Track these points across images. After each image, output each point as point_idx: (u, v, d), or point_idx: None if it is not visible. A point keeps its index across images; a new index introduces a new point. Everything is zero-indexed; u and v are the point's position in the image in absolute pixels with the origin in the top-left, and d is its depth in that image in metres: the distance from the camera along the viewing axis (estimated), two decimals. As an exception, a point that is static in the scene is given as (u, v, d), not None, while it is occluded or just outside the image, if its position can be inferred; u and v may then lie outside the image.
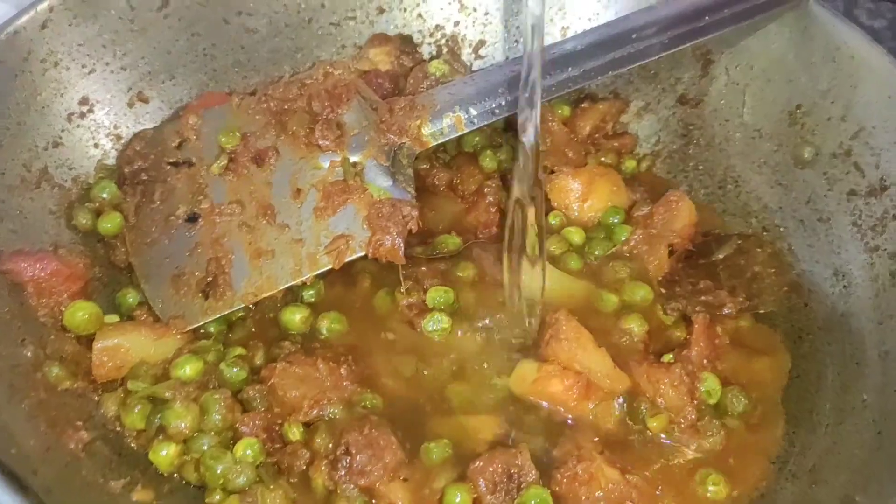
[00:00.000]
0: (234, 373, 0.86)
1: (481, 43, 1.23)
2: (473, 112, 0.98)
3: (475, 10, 1.21)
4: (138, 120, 1.07)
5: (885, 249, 0.91)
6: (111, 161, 1.03)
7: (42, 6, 0.96)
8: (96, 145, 1.03)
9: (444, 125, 0.98)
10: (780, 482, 0.81)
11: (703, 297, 0.92)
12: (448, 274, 0.96)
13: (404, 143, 0.98)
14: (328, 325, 0.92)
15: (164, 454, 0.79)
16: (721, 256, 0.98)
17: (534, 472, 0.79)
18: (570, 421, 0.86)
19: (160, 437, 0.80)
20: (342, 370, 0.86)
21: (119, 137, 1.05)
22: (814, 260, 0.99)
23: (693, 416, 0.84)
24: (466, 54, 1.22)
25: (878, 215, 0.93)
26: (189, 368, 0.84)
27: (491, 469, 0.78)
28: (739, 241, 1.00)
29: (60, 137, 0.99)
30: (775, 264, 0.98)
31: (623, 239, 0.99)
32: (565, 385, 0.85)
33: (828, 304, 0.94)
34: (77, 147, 1.00)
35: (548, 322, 0.89)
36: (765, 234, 1.03)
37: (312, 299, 0.95)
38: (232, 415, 0.81)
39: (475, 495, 0.78)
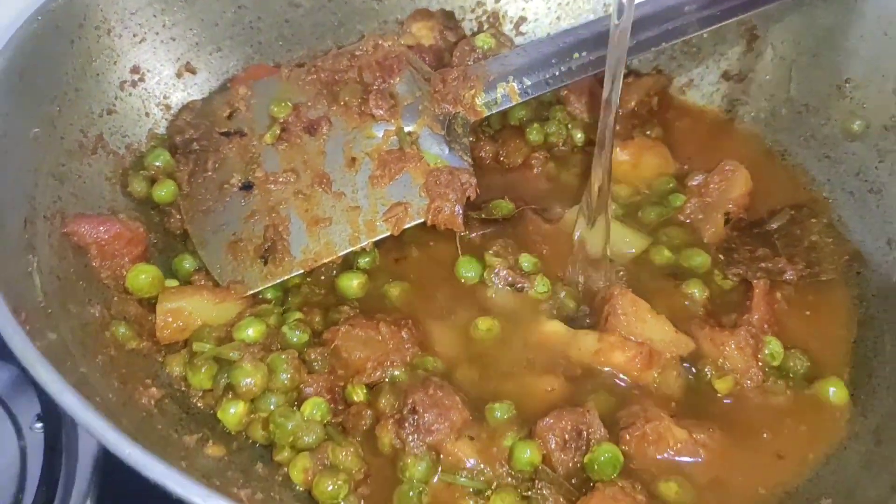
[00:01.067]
0: (297, 335, 0.86)
1: (522, 19, 1.23)
2: (527, 82, 0.99)
3: (518, -14, 1.22)
4: (186, 90, 1.07)
5: (941, 219, 0.93)
6: (162, 130, 1.04)
7: (96, -28, 0.97)
8: (147, 114, 1.03)
9: (497, 95, 0.99)
10: (847, 443, 0.82)
11: (762, 264, 0.93)
12: (511, 239, 0.97)
13: (458, 112, 0.98)
14: (397, 293, 0.93)
15: (233, 412, 0.79)
16: (776, 226, 0.99)
17: (603, 429, 0.79)
18: (628, 386, 0.87)
19: (228, 396, 0.80)
20: (403, 333, 0.87)
21: (168, 107, 1.05)
22: (866, 230, 1.00)
23: (759, 377, 0.85)
24: (507, 30, 1.23)
25: (931, 188, 0.95)
26: (252, 330, 0.84)
27: (560, 426, 0.79)
28: (793, 212, 1.01)
29: (114, 105, 0.99)
30: (832, 234, 0.99)
31: (677, 206, 1.00)
32: (628, 356, 0.86)
33: (882, 273, 0.96)
34: (129, 115, 1.01)
35: (605, 298, 0.90)
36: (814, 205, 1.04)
37: (368, 266, 0.95)
38: (299, 375, 0.82)
39: (544, 452, 0.78)
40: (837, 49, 1.05)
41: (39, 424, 0.98)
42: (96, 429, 0.59)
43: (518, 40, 1.23)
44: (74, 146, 0.92)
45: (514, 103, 1.00)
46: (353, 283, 0.93)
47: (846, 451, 0.81)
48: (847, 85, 1.04)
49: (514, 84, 0.99)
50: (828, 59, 1.06)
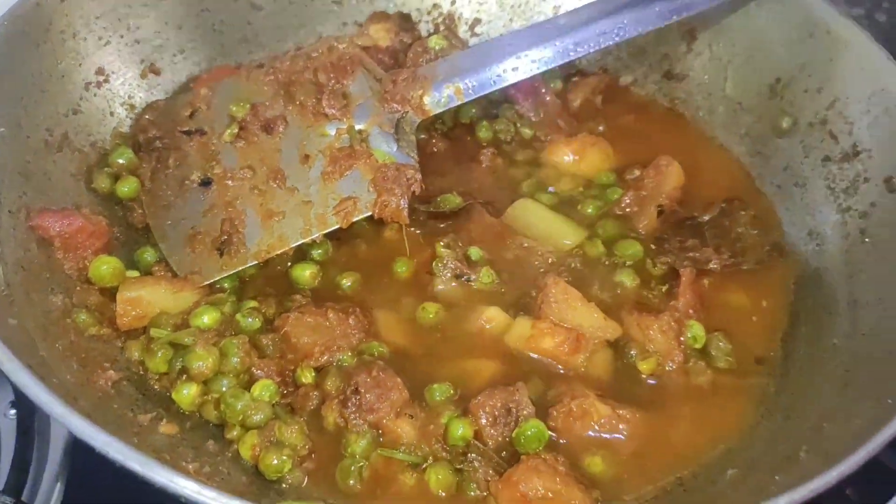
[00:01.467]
0: (249, 322, 0.91)
1: (477, 21, 1.29)
2: (472, 82, 1.04)
3: (471, -11, 1.28)
4: (150, 91, 1.12)
5: (855, 210, 0.99)
6: (126, 129, 1.09)
7: (60, -21, 1.02)
8: (112, 113, 1.08)
9: (444, 95, 1.04)
10: (756, 419, 0.88)
11: (690, 254, 0.99)
12: (454, 232, 1.03)
13: (407, 112, 1.03)
14: (349, 283, 0.98)
15: (186, 393, 0.85)
16: (707, 218, 1.05)
17: (530, 407, 0.85)
18: (562, 371, 0.92)
19: (182, 378, 0.85)
20: (350, 320, 0.92)
21: (133, 107, 1.10)
22: (790, 222, 1.06)
23: (680, 359, 0.91)
24: (463, 31, 1.29)
25: (850, 179, 1.00)
26: (207, 318, 0.90)
27: (490, 403, 0.85)
28: (724, 205, 1.06)
29: (79, 105, 1.04)
30: (758, 225, 1.04)
31: (614, 199, 1.05)
32: (556, 342, 0.92)
33: (802, 261, 1.02)
34: (94, 114, 1.06)
35: (539, 286, 0.95)
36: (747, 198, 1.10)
37: (320, 258, 1.01)
38: (249, 358, 0.87)
39: (476, 428, 0.84)
40: (768, 51, 1.11)
41: (13, 411, 1.02)
42: (46, 404, 0.64)
43: (473, 41, 1.29)
44: (40, 145, 0.96)
45: (459, 102, 1.05)
46: (305, 273, 0.98)
47: (758, 427, 0.86)
48: (777, 85, 1.10)
49: (460, 84, 1.04)
50: (760, 60, 1.12)
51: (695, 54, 1.19)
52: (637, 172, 1.08)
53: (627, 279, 0.98)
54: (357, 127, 1.03)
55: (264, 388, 0.86)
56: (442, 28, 1.28)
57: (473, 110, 1.18)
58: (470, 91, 1.04)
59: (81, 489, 0.99)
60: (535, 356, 0.93)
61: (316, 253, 1.01)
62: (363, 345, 0.92)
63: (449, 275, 0.99)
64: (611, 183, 1.09)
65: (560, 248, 1.01)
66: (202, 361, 0.85)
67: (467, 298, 0.98)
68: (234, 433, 0.84)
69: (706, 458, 0.85)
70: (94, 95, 1.06)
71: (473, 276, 0.98)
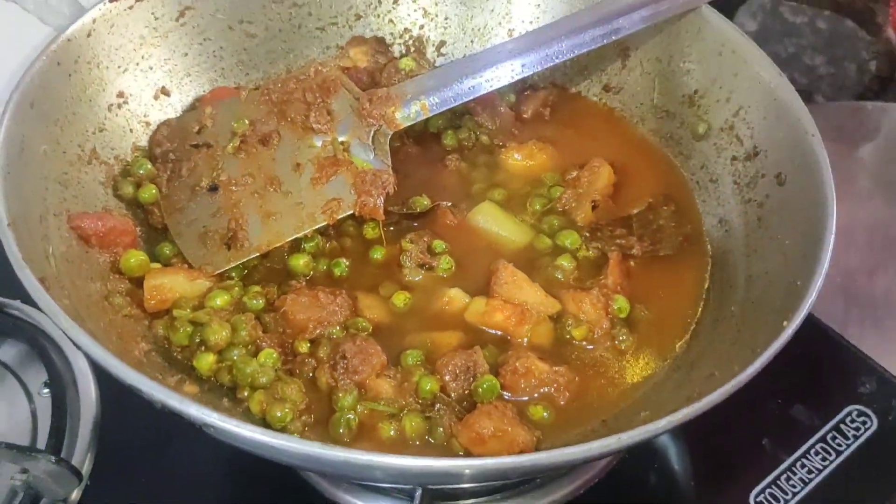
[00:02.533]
0: (254, 303, 1.09)
1: (442, 43, 1.47)
2: (435, 99, 1.21)
3: (437, 16, 1.46)
4: (163, 110, 1.29)
5: (755, 201, 1.17)
6: (143, 143, 1.25)
7: (87, 18, 1.18)
8: (131, 130, 1.24)
9: (412, 110, 1.21)
10: (668, 373, 1.07)
11: (617, 241, 1.18)
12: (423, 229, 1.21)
13: (381, 125, 1.22)
14: (338, 271, 1.16)
15: (205, 361, 1.02)
16: (634, 212, 1.23)
17: (485, 366, 1.03)
18: (510, 339, 1.10)
19: (201, 350, 1.04)
20: (338, 300, 1.09)
21: (148, 124, 1.27)
22: (706, 212, 1.24)
23: (607, 325, 1.10)
24: (430, 52, 1.47)
25: (751, 175, 1.19)
26: (220, 300, 1.08)
27: (453, 363, 1.03)
28: (650, 200, 1.25)
29: (104, 124, 1.20)
30: (675, 219, 1.22)
31: (556, 196, 1.24)
32: (505, 315, 1.09)
33: (714, 245, 1.21)
34: (116, 131, 1.22)
35: (492, 269, 1.13)
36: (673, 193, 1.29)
37: (312, 250, 1.18)
38: (255, 332, 1.05)
39: (441, 383, 1.03)
40: (687, 66, 1.29)
41: (46, 391, 1.17)
42: (103, 359, 0.83)
43: (439, 61, 1.47)
44: (74, 158, 1.13)
45: (425, 116, 1.22)
46: (300, 263, 1.15)
47: (667, 379, 1.05)
48: (695, 95, 1.29)
49: (426, 101, 1.21)
50: (680, 74, 1.30)
51: (628, 70, 1.37)
52: (575, 173, 1.27)
53: (566, 262, 1.16)
54: (340, 139, 1.21)
55: (267, 356, 1.04)
56: (412, 50, 1.46)
57: (440, 121, 1.36)
58: (434, 107, 1.21)
59: (110, 456, 1.16)
60: (489, 329, 1.10)
61: (308, 246, 1.18)
62: (349, 321, 1.09)
63: (414, 265, 1.16)
64: (554, 182, 1.27)
65: (512, 248, 1.19)
66: (217, 335, 1.02)
67: (433, 284, 1.16)
68: (245, 393, 1.02)
69: (626, 403, 1.03)
70: (116, 115, 1.23)
71: (434, 264, 1.16)
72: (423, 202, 1.24)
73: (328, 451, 0.78)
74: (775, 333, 0.89)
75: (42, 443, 1.14)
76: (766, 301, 1.02)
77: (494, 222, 1.21)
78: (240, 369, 1.02)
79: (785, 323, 0.89)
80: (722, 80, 1.25)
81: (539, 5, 1.41)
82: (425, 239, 1.18)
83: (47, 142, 1.09)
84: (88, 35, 1.19)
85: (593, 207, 1.23)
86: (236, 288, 1.12)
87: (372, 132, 1.21)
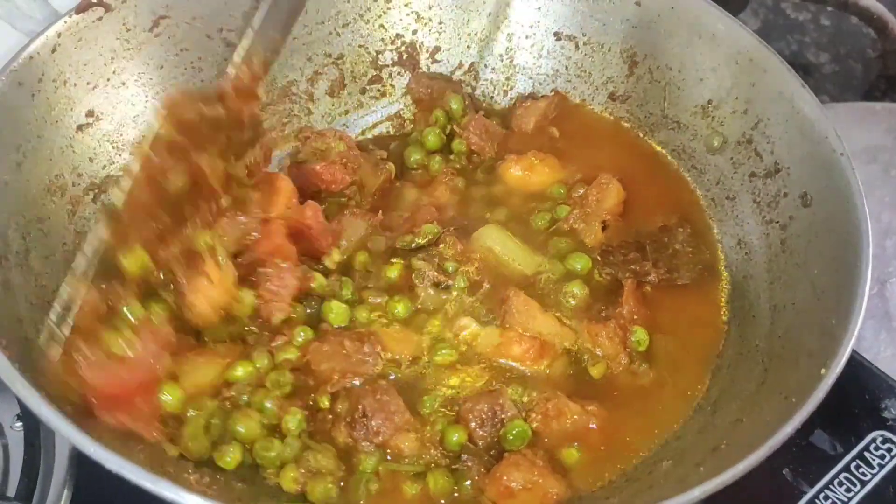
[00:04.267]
0: (283, 379, 0.99)
1: (437, 49, 1.39)
2: None
3: (430, 20, 1.37)
4: (137, 128, 1.20)
5: (777, 222, 1.10)
6: (115, 165, 1.17)
7: (51, 32, 1.09)
8: (102, 152, 1.16)
9: None
10: (690, 414, 1.00)
11: (631, 266, 1.10)
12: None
13: None
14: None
15: (232, 457, 0.92)
16: (648, 234, 1.16)
17: (513, 409, 0.97)
18: (528, 374, 1.04)
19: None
20: (365, 347, 1.02)
21: (120, 145, 1.19)
22: (722, 232, 1.18)
23: (625, 361, 1.02)
24: (424, 59, 1.39)
25: (773, 193, 1.12)
26: (241, 370, 0.98)
27: (478, 408, 0.96)
28: (663, 223, 1.18)
29: (72, 147, 1.12)
30: (692, 244, 1.15)
31: (563, 216, 1.17)
32: (523, 349, 1.03)
33: (733, 269, 1.13)
34: (86, 154, 1.14)
35: (502, 298, 1.06)
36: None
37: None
38: (282, 407, 0.96)
39: (468, 431, 0.95)
40: (701, 75, 1.22)
41: (19, 424, 1.10)
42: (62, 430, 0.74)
43: (434, 68, 1.39)
44: (38, 188, 1.05)
45: None
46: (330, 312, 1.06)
47: (690, 421, 0.99)
48: (709, 106, 1.22)
49: None
50: (693, 83, 1.23)
51: (636, 77, 1.30)
52: (582, 190, 1.19)
53: (578, 289, 1.09)
54: None
55: (293, 418, 0.95)
56: (405, 57, 1.38)
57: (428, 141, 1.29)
58: None
59: (88, 494, 1.08)
60: (504, 361, 1.04)
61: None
62: (377, 369, 1.01)
63: (428, 283, 1.09)
64: (560, 197, 1.20)
65: (519, 273, 1.12)
66: (246, 425, 0.93)
67: (448, 306, 1.09)
68: (269, 471, 0.93)
69: (647, 451, 0.97)
70: (85, 136, 1.14)
71: (451, 282, 1.09)
72: (433, 230, 1.15)
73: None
74: (810, 380, 0.82)
75: (13, 483, 1.07)
76: (796, 338, 0.95)
77: (500, 246, 1.14)
78: (263, 457, 0.93)
79: (823, 371, 0.82)
80: (738, 90, 1.17)
81: (540, 8, 1.33)
82: (436, 259, 1.11)
83: (8, 171, 1.01)
84: (53, 50, 1.10)
85: (603, 228, 1.15)
86: (263, 358, 1.00)
87: None
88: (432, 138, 1.29)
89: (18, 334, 0.88)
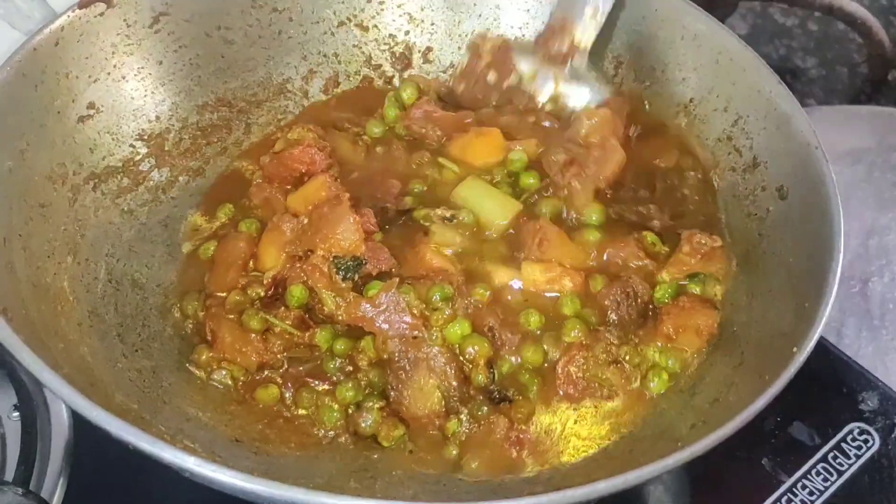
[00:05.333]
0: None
1: (429, 49, 1.42)
2: None
3: (423, 21, 1.40)
4: (136, 121, 1.24)
5: (755, 215, 1.13)
6: (115, 157, 1.20)
7: (54, 26, 1.12)
8: (102, 143, 1.19)
9: (587, 19, 1.18)
10: (669, 395, 1.03)
11: (638, 208, 1.13)
12: None
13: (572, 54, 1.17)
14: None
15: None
16: (662, 166, 1.19)
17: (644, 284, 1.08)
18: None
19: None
20: None
21: (120, 137, 1.22)
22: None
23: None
24: (417, 59, 1.42)
25: (752, 188, 1.15)
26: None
27: (612, 293, 1.06)
28: (680, 158, 1.20)
29: (74, 137, 1.15)
30: (699, 192, 1.17)
31: (533, 186, 1.17)
32: (574, 280, 1.08)
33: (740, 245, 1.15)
34: (86, 144, 1.16)
35: (531, 230, 1.10)
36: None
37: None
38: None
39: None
40: (683, 75, 1.25)
41: (16, 414, 1.11)
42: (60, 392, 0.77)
43: (426, 68, 1.42)
44: (41, 174, 1.08)
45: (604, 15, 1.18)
46: None
47: (671, 402, 1.01)
48: (691, 104, 1.25)
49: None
50: (676, 83, 1.26)
51: (620, 79, 1.33)
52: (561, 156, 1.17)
53: (591, 236, 1.12)
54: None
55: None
56: (397, 57, 1.41)
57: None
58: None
59: (83, 479, 1.10)
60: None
61: None
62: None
63: (438, 220, 1.13)
64: (522, 166, 1.20)
65: (497, 228, 1.14)
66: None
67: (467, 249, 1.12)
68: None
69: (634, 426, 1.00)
70: (86, 128, 1.17)
71: (460, 215, 1.13)
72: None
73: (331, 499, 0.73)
74: (785, 359, 0.85)
75: (11, 470, 1.09)
76: (771, 322, 0.98)
77: (481, 196, 1.16)
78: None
79: (795, 349, 0.85)
80: (718, 89, 1.21)
81: (528, 10, 1.36)
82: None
83: (12, 158, 1.04)
84: (56, 44, 1.13)
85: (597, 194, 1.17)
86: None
87: (568, 67, 1.17)
88: (376, 130, 1.32)
89: (22, 314, 0.91)
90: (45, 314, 0.96)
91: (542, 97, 1.14)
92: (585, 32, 1.15)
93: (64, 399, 0.78)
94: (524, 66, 1.16)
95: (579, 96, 1.14)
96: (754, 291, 1.06)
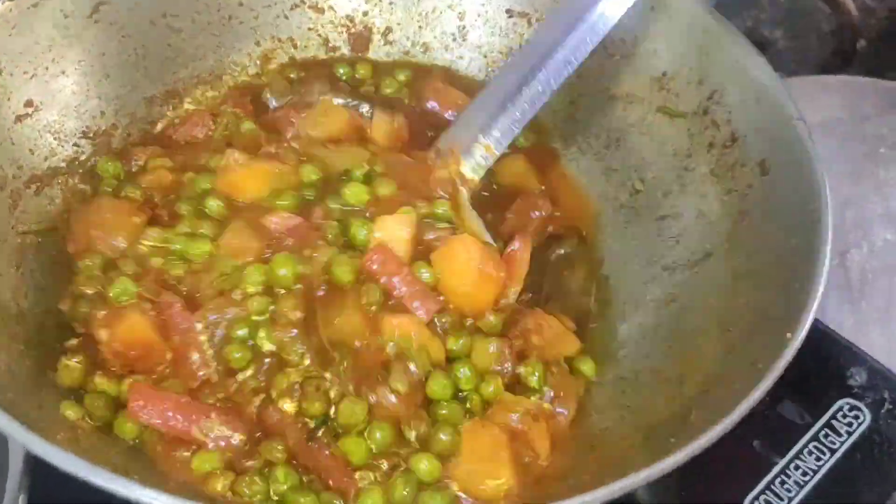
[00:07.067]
0: None
1: (388, 30, 1.36)
2: (496, 134, 1.10)
3: (380, 0, 1.34)
4: (79, 118, 1.16)
5: (735, 191, 1.09)
6: (58, 157, 1.13)
7: (-16, 20, 1.05)
8: (43, 143, 1.12)
9: (477, 157, 1.10)
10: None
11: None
12: None
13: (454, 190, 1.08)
14: None
15: None
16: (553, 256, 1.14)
17: None
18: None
19: None
20: None
21: (62, 135, 1.14)
22: (684, 203, 1.16)
23: None
24: (377, 40, 1.36)
25: (731, 163, 1.10)
26: None
27: None
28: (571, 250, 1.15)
29: (10, 138, 1.08)
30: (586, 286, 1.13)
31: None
32: None
33: (693, 242, 1.12)
34: (25, 145, 1.09)
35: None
36: (641, 184, 1.20)
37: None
38: None
39: None
40: (654, 47, 1.20)
41: None
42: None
43: (387, 49, 1.36)
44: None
45: (493, 160, 1.09)
46: None
47: (657, 395, 0.97)
48: (664, 78, 1.21)
49: (487, 140, 1.10)
50: (647, 55, 1.21)
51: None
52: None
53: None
54: None
55: None
56: (355, 39, 1.35)
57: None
58: (498, 144, 1.09)
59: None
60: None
61: None
62: None
63: None
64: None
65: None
66: None
67: None
68: None
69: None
70: (24, 127, 1.10)
71: None
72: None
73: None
74: (777, 344, 0.81)
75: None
76: (760, 305, 0.94)
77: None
78: None
79: (789, 335, 0.81)
80: (692, 60, 1.16)
81: (491, -15, 1.31)
82: None
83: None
84: (-14, 39, 1.05)
85: None
86: None
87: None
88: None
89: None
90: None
91: None
92: (474, 170, 1.08)
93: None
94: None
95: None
96: (738, 273, 1.02)
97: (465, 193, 1.09)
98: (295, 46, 1.33)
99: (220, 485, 0.84)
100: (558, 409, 0.96)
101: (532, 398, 0.95)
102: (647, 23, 1.21)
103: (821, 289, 0.85)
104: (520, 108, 1.09)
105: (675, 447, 0.76)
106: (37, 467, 1.02)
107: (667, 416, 0.91)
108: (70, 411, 0.88)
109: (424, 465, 0.86)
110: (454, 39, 1.35)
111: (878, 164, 1.63)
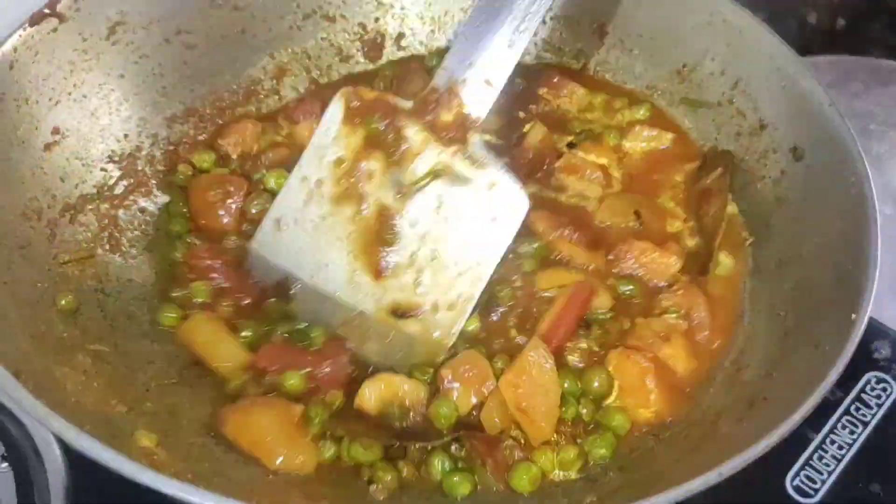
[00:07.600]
0: None
1: (401, 35, 1.36)
2: (490, 62, 0.99)
3: (392, 6, 1.34)
4: (104, 142, 1.14)
5: (769, 177, 1.11)
6: (88, 183, 1.11)
7: (6, 48, 1.03)
8: (73, 171, 1.10)
9: (479, 91, 0.98)
10: (713, 371, 1.00)
11: None
12: None
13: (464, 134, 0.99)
14: None
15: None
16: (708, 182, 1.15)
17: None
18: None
19: None
20: None
21: (89, 161, 1.12)
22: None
23: None
24: (389, 46, 1.36)
25: (761, 151, 1.13)
26: None
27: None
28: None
29: (42, 167, 1.06)
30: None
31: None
32: None
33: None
34: (56, 173, 1.07)
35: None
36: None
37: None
38: None
39: None
40: (674, 38, 1.22)
41: (5, 465, 1.05)
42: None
43: (400, 55, 1.36)
44: (14, 213, 1.00)
45: (496, 93, 0.97)
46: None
47: (713, 379, 0.99)
48: (684, 69, 1.22)
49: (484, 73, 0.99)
50: (667, 49, 1.23)
51: (607, 48, 1.29)
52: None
53: None
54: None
55: None
56: (368, 47, 1.34)
57: None
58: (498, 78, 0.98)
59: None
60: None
61: None
62: None
63: None
64: None
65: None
66: None
67: None
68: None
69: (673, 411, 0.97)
70: (54, 155, 1.08)
71: None
72: None
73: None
74: (842, 326, 0.83)
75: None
76: (812, 288, 0.96)
77: None
78: None
79: (854, 316, 0.83)
80: (714, 51, 1.18)
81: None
82: None
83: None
84: (11, 67, 1.03)
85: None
86: None
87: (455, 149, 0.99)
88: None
89: (24, 366, 0.83)
90: (50, 365, 0.87)
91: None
92: (478, 104, 0.95)
93: (100, 459, 0.70)
94: (412, 132, 0.96)
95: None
96: (782, 259, 1.04)
97: (476, 140, 0.99)
98: (309, 57, 1.32)
99: None
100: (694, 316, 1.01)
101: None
102: (664, 16, 1.22)
103: (878, 268, 0.87)
104: (507, 31, 0.96)
105: (758, 428, 0.77)
106: (75, 495, 1.04)
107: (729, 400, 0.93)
108: (146, 440, 0.87)
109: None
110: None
111: (872, 139, 1.66)
